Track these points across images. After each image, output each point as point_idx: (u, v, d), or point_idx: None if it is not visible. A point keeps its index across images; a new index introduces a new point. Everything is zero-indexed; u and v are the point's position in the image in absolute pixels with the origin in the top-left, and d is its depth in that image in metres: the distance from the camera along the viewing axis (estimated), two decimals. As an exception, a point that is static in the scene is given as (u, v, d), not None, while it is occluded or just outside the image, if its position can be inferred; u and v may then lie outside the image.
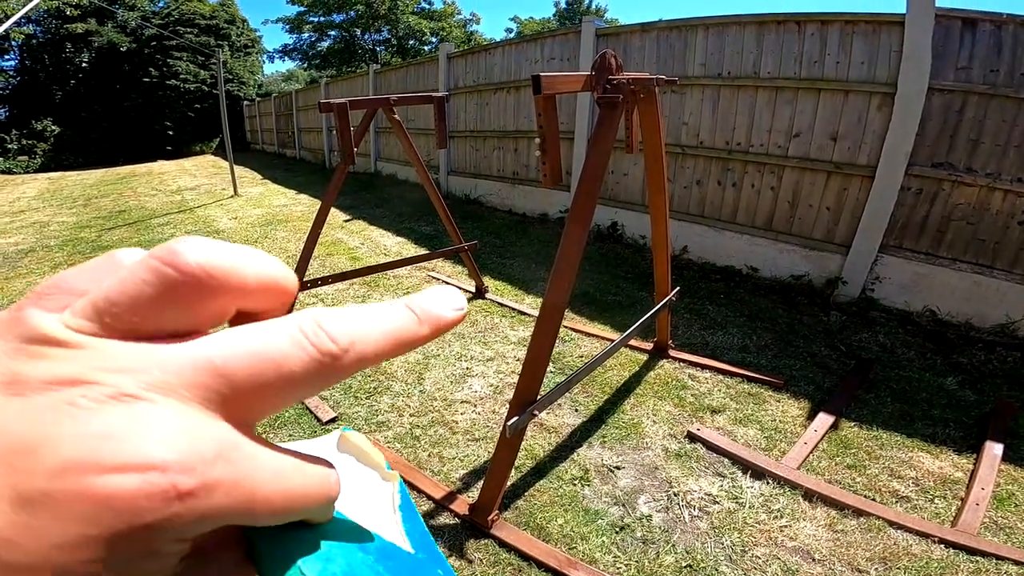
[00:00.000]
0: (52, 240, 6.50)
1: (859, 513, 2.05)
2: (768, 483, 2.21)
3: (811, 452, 2.39)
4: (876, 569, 1.82)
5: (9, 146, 21.41)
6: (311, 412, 2.69)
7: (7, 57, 24.57)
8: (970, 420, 2.69)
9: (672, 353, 3.24)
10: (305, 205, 8.48)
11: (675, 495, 2.17)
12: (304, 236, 3.12)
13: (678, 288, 3.11)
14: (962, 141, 3.57)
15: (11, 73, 24.63)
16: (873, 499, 2.13)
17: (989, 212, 3.55)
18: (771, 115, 4.37)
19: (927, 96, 3.59)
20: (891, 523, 2.00)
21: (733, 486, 2.21)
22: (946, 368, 3.19)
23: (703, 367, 3.12)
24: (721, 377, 3.04)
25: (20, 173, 19.00)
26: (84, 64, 24.25)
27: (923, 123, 3.64)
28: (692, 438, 2.51)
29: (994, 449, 2.41)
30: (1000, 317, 3.54)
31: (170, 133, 24.34)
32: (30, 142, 22.36)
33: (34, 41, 23.91)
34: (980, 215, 3.58)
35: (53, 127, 23.22)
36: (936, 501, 2.15)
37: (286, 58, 31.18)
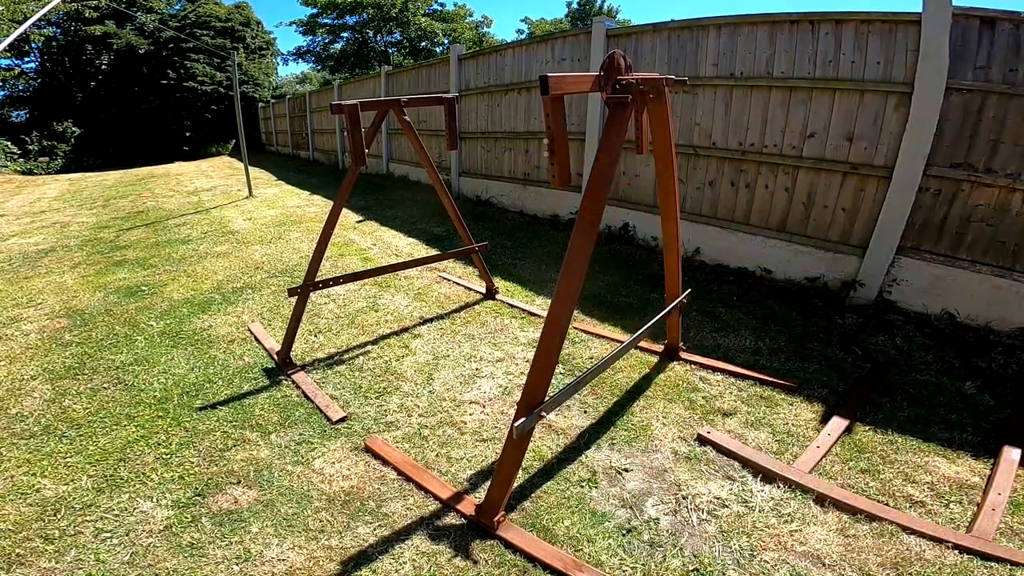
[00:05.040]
0: (72, 240, 6.62)
1: (871, 518, 2.02)
2: (779, 487, 2.19)
3: (824, 456, 2.36)
4: (888, 574, 1.80)
5: (30, 147, 21.85)
6: (321, 412, 2.71)
7: (27, 59, 25.10)
8: (988, 425, 2.64)
9: (683, 355, 3.23)
10: (318, 206, 8.56)
11: (683, 498, 2.15)
12: (317, 236, 3.16)
13: (689, 290, 3.09)
14: (981, 141, 3.50)
15: (31, 75, 25.15)
16: (886, 504, 2.10)
17: (1009, 214, 3.48)
18: (785, 115, 4.33)
19: (945, 96, 3.53)
20: (904, 528, 1.97)
21: (743, 490, 2.20)
22: (964, 372, 3.14)
23: (714, 370, 3.10)
24: (732, 380, 3.01)
25: (41, 174, 19.36)
26: (103, 66, 24.72)
27: (941, 123, 3.58)
28: (702, 441, 2.49)
29: (1012, 454, 2.36)
30: (1021, 320, 3.47)
31: (187, 135, 24.72)
32: (50, 143, 22.81)
33: (54, 43, 24.39)
34: (1000, 217, 3.51)
35: (74, 128, 23.68)
36: (951, 506, 2.11)
37: (300, 60, 31.56)
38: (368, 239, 6.23)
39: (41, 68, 25.45)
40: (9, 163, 19.29)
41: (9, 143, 20.31)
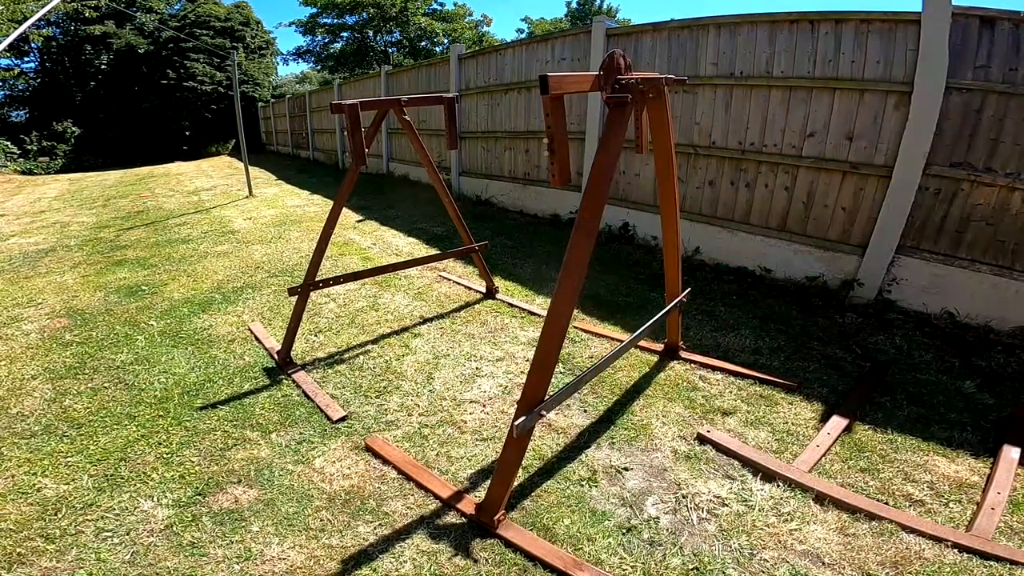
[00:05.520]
0: (72, 240, 6.62)
1: (871, 517, 2.02)
2: (779, 486, 2.19)
3: (823, 455, 2.36)
4: (887, 573, 1.80)
5: (29, 147, 21.78)
6: (321, 411, 2.71)
7: (27, 59, 25.10)
8: (988, 424, 2.64)
9: (683, 354, 3.23)
10: (318, 206, 8.56)
11: (683, 497, 2.16)
12: (317, 236, 3.15)
13: (689, 289, 3.09)
14: (981, 140, 3.51)
15: (31, 75, 25.13)
16: (886, 503, 2.10)
17: (1009, 213, 3.49)
18: (785, 115, 4.34)
19: (945, 95, 3.53)
20: (904, 527, 1.97)
21: (743, 488, 2.20)
22: (964, 371, 3.14)
23: (714, 369, 3.10)
24: (732, 379, 3.01)
25: (41, 174, 19.32)
26: (103, 66, 24.74)
27: (941, 122, 3.59)
28: (702, 440, 2.49)
29: (1011, 453, 2.36)
30: (1020, 319, 3.48)
31: (187, 134, 24.70)
32: (50, 143, 22.78)
33: (53, 43, 24.37)
34: (1000, 216, 3.52)
35: (73, 128, 23.66)
36: (951, 505, 2.11)
37: (300, 60, 31.60)
38: (368, 238, 6.23)
39: (41, 68, 25.47)
40: (9, 163, 19.24)
41: (9, 143, 20.25)
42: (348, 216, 7.26)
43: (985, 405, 2.81)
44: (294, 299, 3.18)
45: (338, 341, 3.52)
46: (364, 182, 10.34)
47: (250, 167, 10.50)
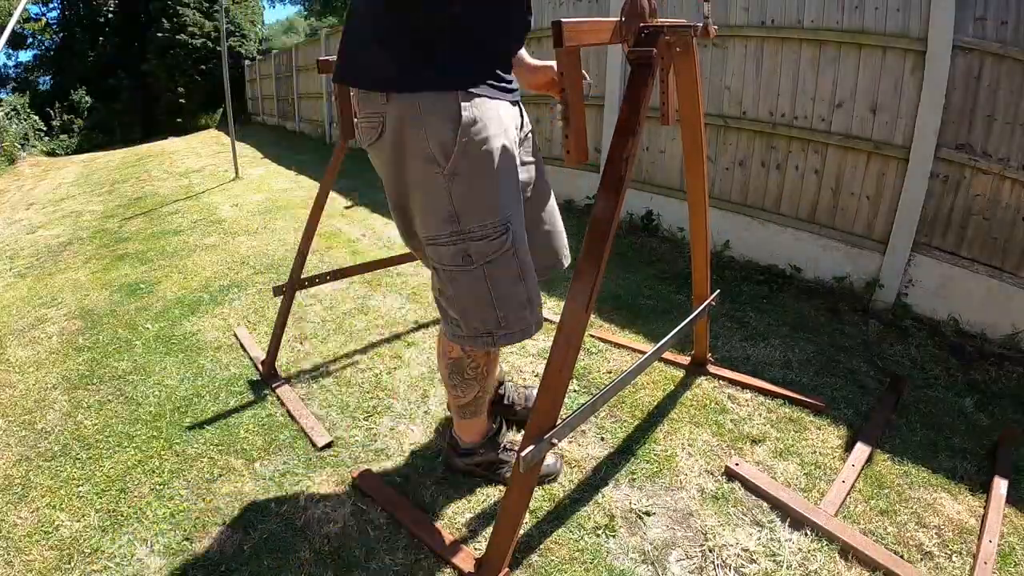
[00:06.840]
0: (84, 231, 6.57)
1: (888, 574, 1.82)
2: (807, 535, 1.98)
3: (848, 493, 2.17)
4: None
5: (53, 123, 21.96)
6: (306, 435, 2.52)
7: (52, 5, 25.76)
8: (983, 450, 2.45)
9: (712, 369, 2.94)
10: (306, 189, 8.22)
11: (710, 551, 1.92)
12: (303, 224, 2.88)
13: (718, 291, 2.78)
14: (980, 117, 3.13)
15: (55, 28, 25.55)
16: (901, 556, 1.91)
17: (1000, 205, 3.14)
18: (815, 78, 3.94)
19: (952, 57, 3.16)
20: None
21: (771, 539, 1.97)
22: (965, 387, 2.94)
23: (744, 386, 2.83)
24: (762, 399, 2.75)
25: (61, 155, 19.56)
26: (110, 14, 25.43)
27: (949, 92, 3.22)
28: (730, 476, 2.25)
29: (1000, 488, 2.16)
30: (1007, 327, 3.19)
31: (181, 101, 24.83)
32: (69, 117, 23.14)
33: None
34: (993, 209, 3.17)
35: (87, 99, 23.93)
36: (953, 559, 1.92)
37: (287, 2, 30.49)
38: (357, 228, 5.91)
39: (61, 17, 26.25)
40: (37, 143, 19.40)
41: (37, 118, 20.32)
42: (336, 200, 6.84)
43: (982, 427, 2.62)
44: (279, 299, 2.93)
45: (324, 350, 3.30)
46: (353, 160, 9.94)
47: (237, 143, 10.16)
